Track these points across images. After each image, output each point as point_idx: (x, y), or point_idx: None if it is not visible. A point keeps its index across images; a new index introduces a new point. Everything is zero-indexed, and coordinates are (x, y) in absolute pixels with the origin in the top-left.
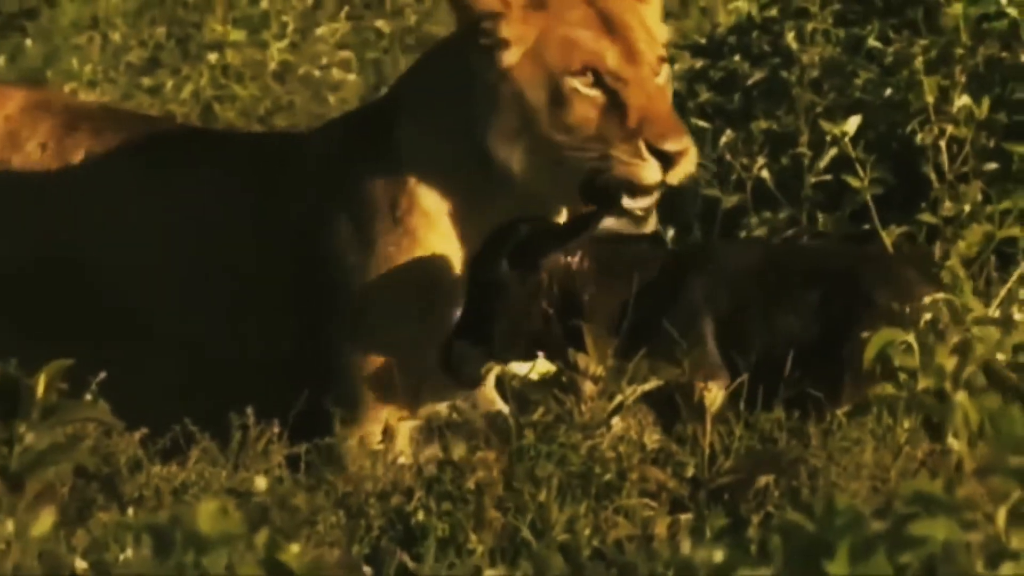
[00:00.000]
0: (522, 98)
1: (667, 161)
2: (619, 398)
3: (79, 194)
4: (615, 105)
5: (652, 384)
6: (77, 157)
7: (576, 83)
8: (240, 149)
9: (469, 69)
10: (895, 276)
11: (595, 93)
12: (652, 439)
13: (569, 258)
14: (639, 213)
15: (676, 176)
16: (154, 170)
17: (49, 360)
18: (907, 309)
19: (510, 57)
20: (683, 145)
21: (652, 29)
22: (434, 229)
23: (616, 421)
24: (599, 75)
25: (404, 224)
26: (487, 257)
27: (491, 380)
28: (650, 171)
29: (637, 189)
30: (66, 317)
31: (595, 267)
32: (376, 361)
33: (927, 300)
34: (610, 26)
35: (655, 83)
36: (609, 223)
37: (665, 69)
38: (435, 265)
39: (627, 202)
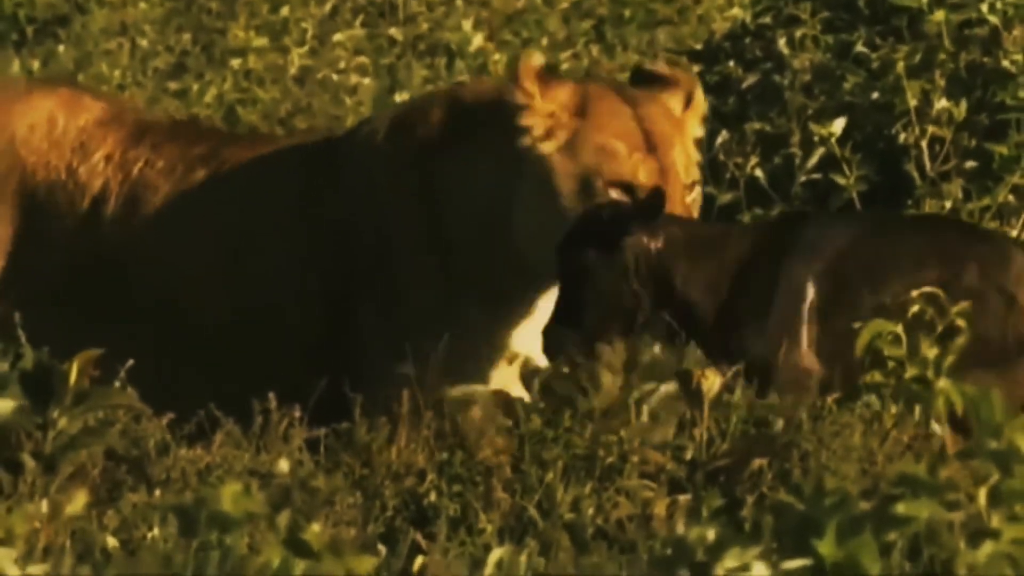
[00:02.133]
0: (550, 181)
1: None
2: (636, 394)
3: (134, 201)
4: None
5: (671, 386)
6: (136, 168)
7: (607, 187)
8: (286, 148)
9: (502, 136)
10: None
11: (623, 197)
12: (659, 433)
13: (653, 239)
14: None
15: None
16: (203, 176)
17: (88, 347)
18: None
19: (547, 147)
20: None
21: (690, 152)
22: None
23: (643, 414)
24: (629, 186)
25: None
26: (573, 242)
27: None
28: None
29: None
30: (110, 310)
31: (681, 246)
32: (407, 347)
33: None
34: (650, 143)
35: (682, 197)
36: None
37: (696, 192)
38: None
39: None
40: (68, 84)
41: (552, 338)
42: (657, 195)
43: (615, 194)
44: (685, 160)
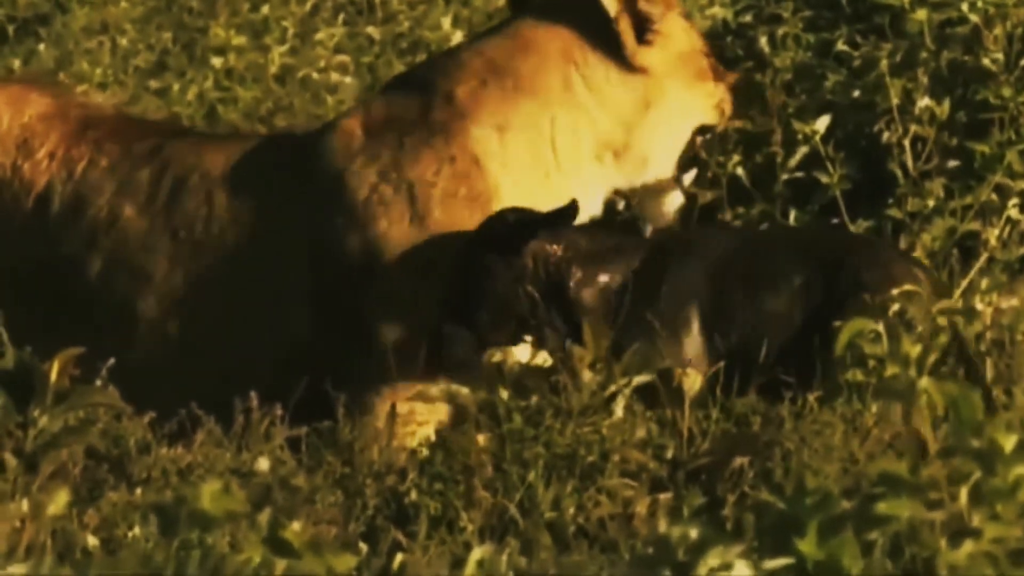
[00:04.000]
0: (670, 76)
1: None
2: (613, 387)
3: (79, 201)
4: (715, 68)
5: (647, 377)
6: (80, 167)
7: (704, 60)
8: (250, 146)
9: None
10: (882, 262)
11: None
12: (641, 431)
13: (554, 246)
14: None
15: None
16: (149, 175)
17: (62, 348)
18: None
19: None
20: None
21: None
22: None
23: (618, 406)
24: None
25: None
26: (474, 243)
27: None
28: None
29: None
30: (79, 310)
31: (580, 255)
32: (398, 343)
33: (895, 292)
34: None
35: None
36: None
37: None
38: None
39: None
40: (17, 80)
41: (453, 337)
42: (571, 206)
43: (706, 61)
44: None
